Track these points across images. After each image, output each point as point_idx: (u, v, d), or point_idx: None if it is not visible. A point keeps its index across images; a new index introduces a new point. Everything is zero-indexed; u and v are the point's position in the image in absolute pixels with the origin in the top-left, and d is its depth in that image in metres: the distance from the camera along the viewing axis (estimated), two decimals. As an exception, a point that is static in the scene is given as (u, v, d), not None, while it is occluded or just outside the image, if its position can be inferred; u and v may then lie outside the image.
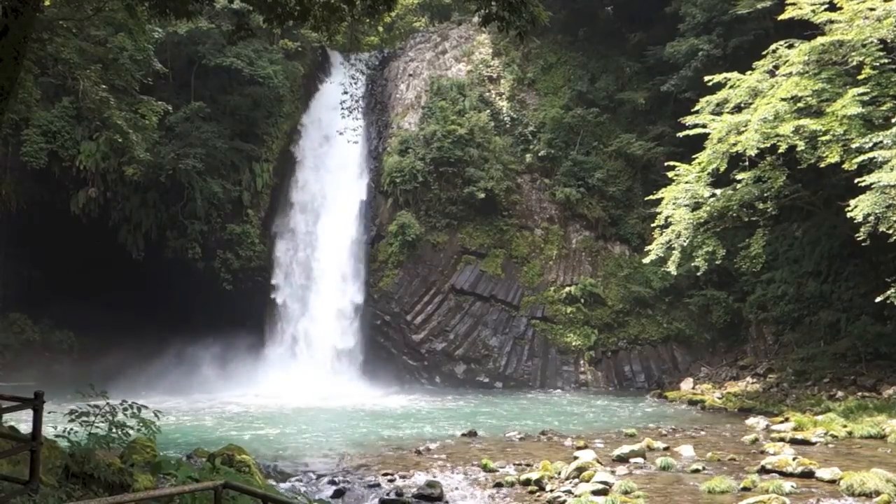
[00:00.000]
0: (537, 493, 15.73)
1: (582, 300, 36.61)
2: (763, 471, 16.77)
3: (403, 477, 17.18)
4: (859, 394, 26.45)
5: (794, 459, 17.25)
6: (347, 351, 36.30)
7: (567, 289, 37.00)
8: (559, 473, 16.83)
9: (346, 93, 37.09)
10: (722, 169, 27.48)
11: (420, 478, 16.88)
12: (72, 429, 10.76)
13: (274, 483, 15.85)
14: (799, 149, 24.92)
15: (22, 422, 12.25)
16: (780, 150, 25.83)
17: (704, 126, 28.37)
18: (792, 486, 15.25)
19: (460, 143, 37.33)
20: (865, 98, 24.31)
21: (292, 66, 39.17)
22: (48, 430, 10.26)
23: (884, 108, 24.37)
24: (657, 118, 38.63)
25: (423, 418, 26.77)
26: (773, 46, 28.07)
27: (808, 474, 16.24)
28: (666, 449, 19.88)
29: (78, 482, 9.94)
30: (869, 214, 22.62)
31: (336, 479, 16.80)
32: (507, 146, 39.05)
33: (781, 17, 28.38)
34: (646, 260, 30.77)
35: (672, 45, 35.95)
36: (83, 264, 32.99)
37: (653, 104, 38.86)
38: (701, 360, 35.47)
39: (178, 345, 32.28)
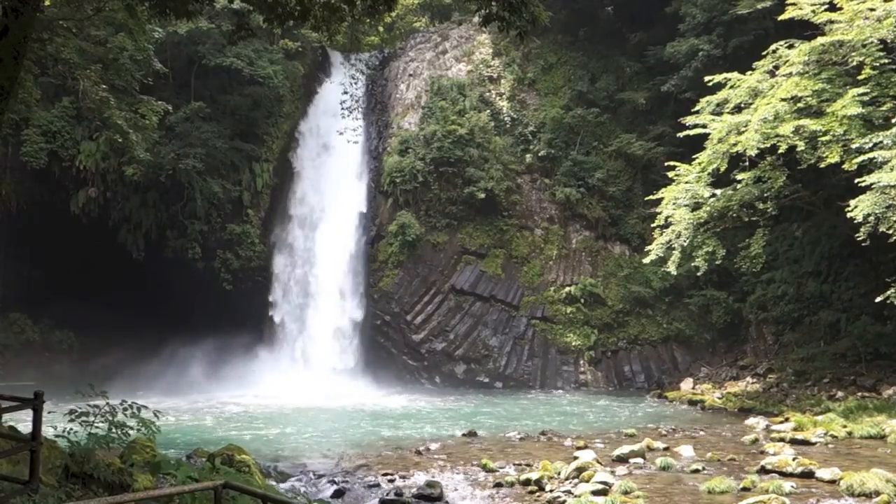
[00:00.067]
0: (537, 493, 15.73)
1: (582, 300, 36.62)
2: (763, 471, 16.78)
3: (403, 477, 17.18)
4: (859, 394, 26.44)
5: (793, 460, 17.26)
6: (348, 371, 35.92)
7: (567, 289, 37.00)
8: (559, 473, 16.83)
9: (346, 93, 37.17)
10: (722, 169, 27.48)
11: (420, 478, 16.88)
12: (71, 429, 10.76)
13: (274, 483, 15.85)
14: (799, 149, 24.91)
15: (22, 422, 12.23)
16: (780, 151, 25.82)
17: (704, 126, 28.37)
18: (792, 487, 15.26)
19: (460, 143, 37.32)
20: (865, 98, 24.31)
21: (292, 66, 39.14)
22: (48, 430, 10.24)
23: (884, 108, 24.37)
24: (657, 118, 38.62)
25: (423, 418, 26.77)
26: (773, 46, 28.07)
27: (807, 474, 16.25)
28: (666, 449, 19.88)
29: (78, 482, 9.95)
30: (869, 214, 22.63)
31: (336, 479, 16.79)
32: (507, 146, 39.03)
33: (781, 17, 28.39)
34: (646, 260, 30.76)
35: (672, 46, 35.96)
36: (83, 264, 32.99)
37: (653, 104, 38.85)
38: (701, 360, 35.47)
39: (178, 345, 32.22)
